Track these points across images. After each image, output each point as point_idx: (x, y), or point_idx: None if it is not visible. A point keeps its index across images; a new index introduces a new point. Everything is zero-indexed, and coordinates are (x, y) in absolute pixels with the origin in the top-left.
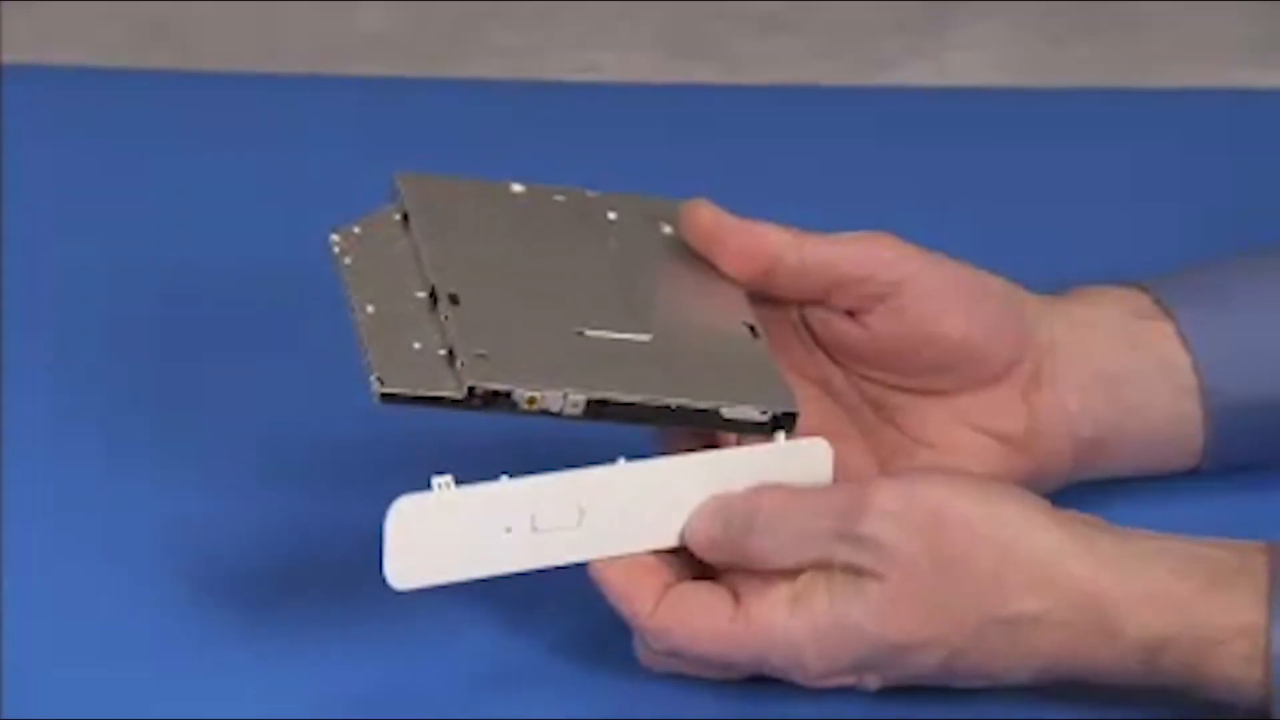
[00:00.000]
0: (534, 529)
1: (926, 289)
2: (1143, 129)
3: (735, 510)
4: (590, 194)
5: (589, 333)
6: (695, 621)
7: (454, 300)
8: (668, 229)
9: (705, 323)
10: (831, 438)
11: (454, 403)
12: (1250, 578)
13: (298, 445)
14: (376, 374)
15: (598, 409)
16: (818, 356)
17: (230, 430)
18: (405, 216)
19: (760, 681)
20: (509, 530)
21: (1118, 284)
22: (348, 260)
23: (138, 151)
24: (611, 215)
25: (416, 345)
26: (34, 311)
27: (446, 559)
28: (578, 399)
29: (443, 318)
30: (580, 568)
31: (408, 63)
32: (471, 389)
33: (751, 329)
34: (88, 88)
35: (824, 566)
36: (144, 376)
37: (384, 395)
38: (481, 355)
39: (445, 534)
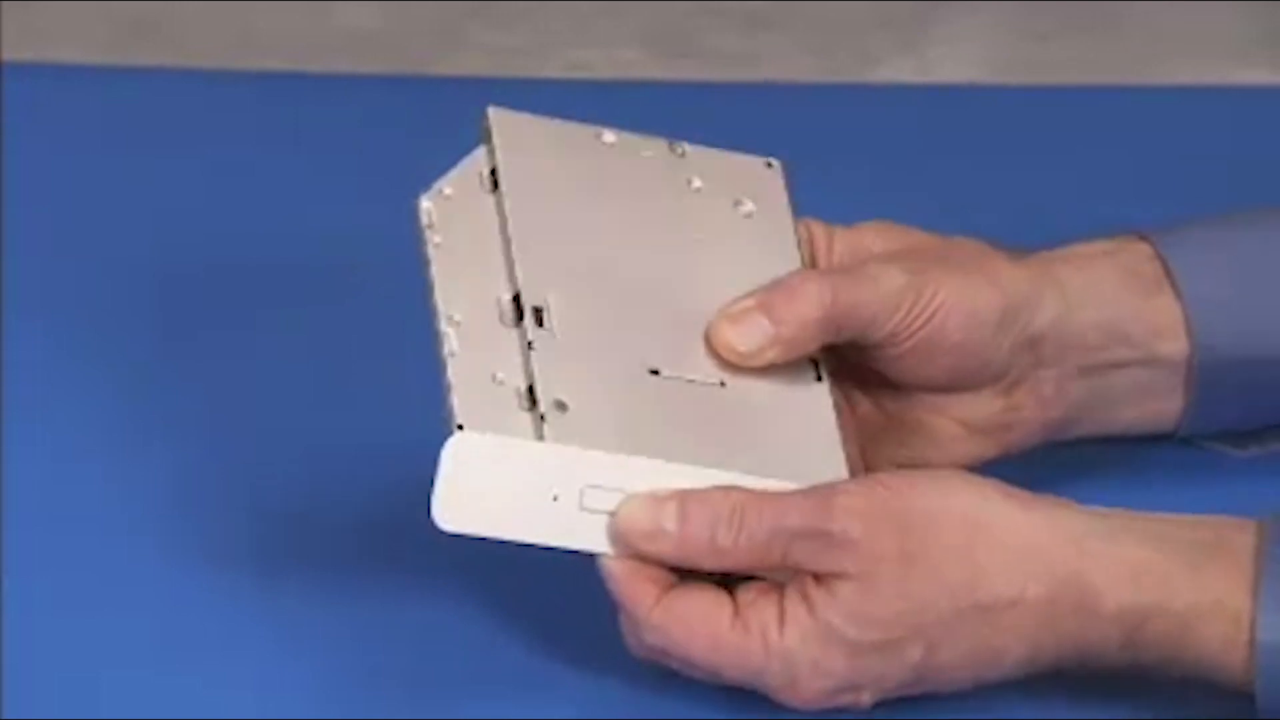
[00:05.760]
0: (580, 506)
1: (925, 341)
2: (1128, 126)
3: (704, 504)
4: (677, 150)
5: (664, 372)
6: (694, 623)
7: (539, 318)
8: (748, 206)
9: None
10: None
11: None
12: (1228, 555)
13: (296, 442)
14: (459, 421)
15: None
16: None
17: (230, 427)
18: (494, 172)
19: None
20: (556, 499)
21: (1116, 238)
22: (437, 240)
23: (136, 149)
24: (697, 183)
25: (499, 375)
26: (33, 308)
27: (492, 509)
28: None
29: (526, 343)
30: (581, 567)
31: (392, 61)
32: None
33: (816, 367)
34: (85, 85)
35: (793, 571)
36: (144, 374)
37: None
38: (560, 404)
39: (496, 482)
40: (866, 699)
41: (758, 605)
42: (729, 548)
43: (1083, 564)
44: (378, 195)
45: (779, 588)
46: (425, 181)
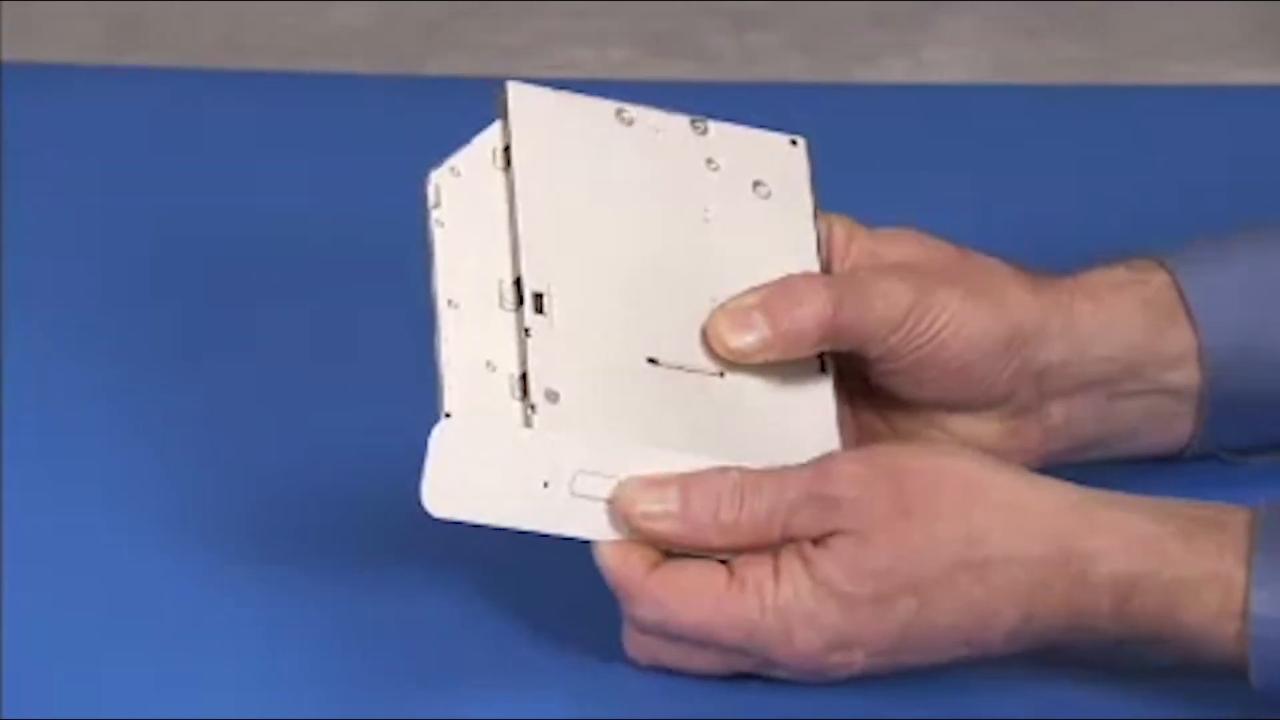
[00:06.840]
0: (571, 492)
1: (922, 361)
2: (1126, 126)
3: (704, 484)
4: (699, 127)
5: (662, 361)
6: (690, 587)
7: (538, 304)
8: (768, 187)
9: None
10: None
11: None
12: (1224, 532)
13: (296, 442)
14: (447, 409)
15: None
16: None
17: (230, 427)
18: (507, 149)
19: (752, 677)
20: (546, 485)
21: (1136, 265)
22: (442, 217)
23: (135, 149)
24: (717, 161)
25: (493, 361)
26: (33, 307)
27: (481, 495)
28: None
29: (523, 330)
30: (580, 565)
31: (387, 61)
32: None
33: (821, 359)
34: (84, 85)
35: (791, 539)
36: (144, 374)
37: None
38: (552, 394)
39: (485, 468)
40: (859, 658)
41: (752, 565)
42: (731, 524)
43: (1078, 528)
44: (375, 195)
45: (774, 551)
46: (420, 181)
